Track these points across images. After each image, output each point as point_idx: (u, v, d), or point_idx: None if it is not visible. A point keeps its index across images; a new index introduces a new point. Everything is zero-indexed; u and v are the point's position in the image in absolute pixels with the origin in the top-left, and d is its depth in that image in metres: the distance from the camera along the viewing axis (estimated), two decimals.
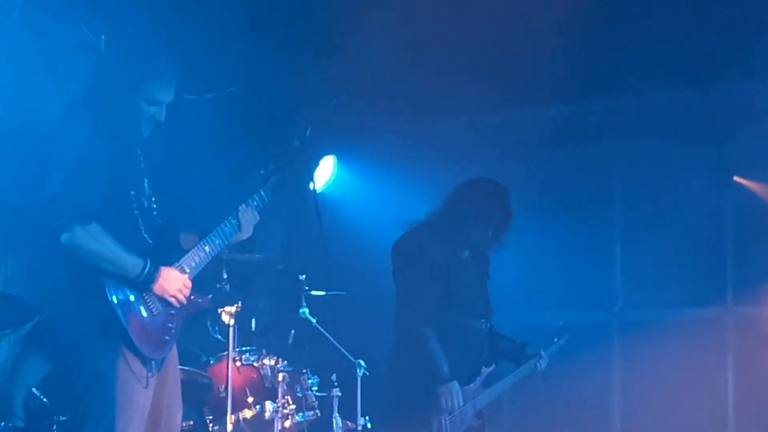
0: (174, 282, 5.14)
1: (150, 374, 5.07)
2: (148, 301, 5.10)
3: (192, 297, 5.28)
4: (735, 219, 9.06)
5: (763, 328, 8.74)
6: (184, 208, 5.68)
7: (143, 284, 5.05)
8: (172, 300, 5.14)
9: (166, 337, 5.17)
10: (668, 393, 8.74)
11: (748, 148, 8.75)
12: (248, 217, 5.60)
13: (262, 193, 5.70)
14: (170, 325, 5.19)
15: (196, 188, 8.10)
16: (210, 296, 5.51)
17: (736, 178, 8.98)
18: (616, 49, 8.05)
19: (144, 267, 5.03)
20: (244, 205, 5.61)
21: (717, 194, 9.07)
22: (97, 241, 4.95)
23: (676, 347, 8.72)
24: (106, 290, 4.97)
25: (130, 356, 5.00)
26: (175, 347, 5.40)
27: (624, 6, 7.54)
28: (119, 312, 4.97)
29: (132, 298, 5.04)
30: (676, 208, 9.08)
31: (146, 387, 5.05)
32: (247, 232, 5.62)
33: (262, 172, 5.80)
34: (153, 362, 5.10)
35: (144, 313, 5.08)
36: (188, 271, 5.26)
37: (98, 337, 4.97)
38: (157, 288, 5.09)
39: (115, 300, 4.98)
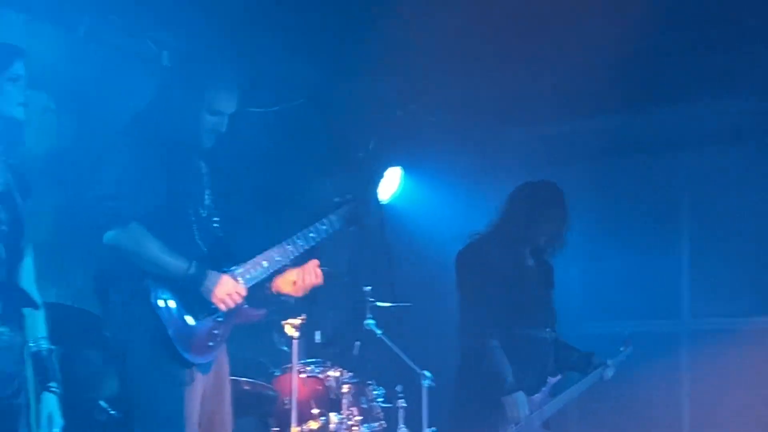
0: (223, 286, 5.12)
1: (192, 379, 5.07)
2: (192, 304, 5.10)
3: (245, 307, 5.28)
4: None
5: None
6: (245, 222, 5.69)
7: (189, 286, 5.05)
8: (220, 304, 5.12)
9: (210, 343, 5.16)
10: (738, 403, 8.62)
11: None
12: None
13: (333, 218, 5.66)
14: (216, 331, 5.19)
15: (260, 202, 8.14)
16: (263, 310, 5.49)
17: None
18: (684, 56, 7.99)
19: (188, 268, 5.03)
20: (311, 227, 5.59)
21: None
22: (137, 241, 4.97)
23: (745, 356, 8.61)
24: (150, 292, 4.99)
25: (173, 360, 5.01)
26: (225, 359, 5.41)
27: (694, 13, 7.47)
28: (161, 314, 4.99)
29: (174, 301, 5.05)
30: (745, 215, 8.96)
31: (189, 391, 5.05)
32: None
33: (336, 200, 5.76)
34: (195, 367, 5.09)
35: (187, 317, 5.08)
36: (241, 281, 5.26)
37: (144, 342, 5.00)
38: (204, 290, 5.09)
39: (158, 302, 5.00)
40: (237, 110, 5.37)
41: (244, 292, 5.21)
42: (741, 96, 8.37)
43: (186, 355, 5.03)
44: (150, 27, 7.20)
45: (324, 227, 5.60)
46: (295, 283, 5.52)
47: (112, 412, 5.78)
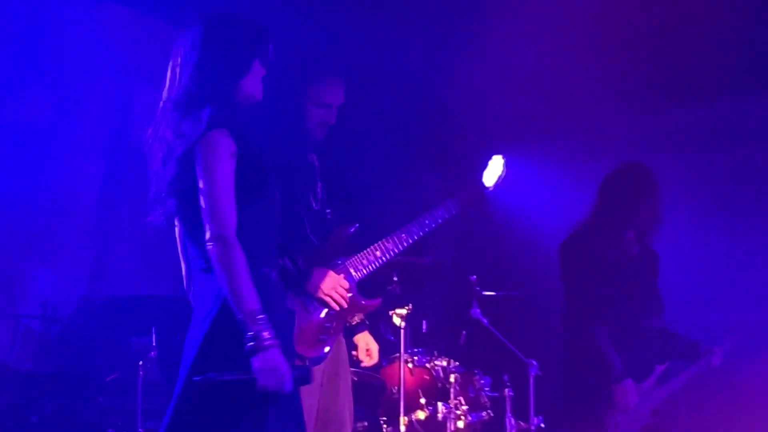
0: (327, 282, 5.16)
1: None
2: (304, 299, 5.14)
3: (356, 299, 5.32)
4: None
5: None
6: (357, 213, 5.73)
7: (297, 282, 5.08)
8: (329, 300, 5.17)
9: (322, 336, 5.20)
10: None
11: None
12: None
13: (450, 204, 5.68)
14: (328, 324, 5.23)
15: (372, 193, 8.20)
16: (378, 300, 5.53)
17: None
18: None
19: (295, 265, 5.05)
20: (426, 213, 5.61)
21: None
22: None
23: None
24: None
25: (288, 354, 5.06)
26: (344, 351, 5.44)
27: None
28: None
29: (289, 294, 5.10)
30: None
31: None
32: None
33: (457, 185, 5.79)
34: (308, 361, 5.13)
35: (299, 311, 5.11)
36: (353, 272, 5.30)
37: None
38: (310, 287, 5.13)
39: None
40: (345, 102, 5.40)
41: (346, 284, 5.25)
42: None
43: (298, 349, 5.08)
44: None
45: (440, 212, 5.62)
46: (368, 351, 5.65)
47: None
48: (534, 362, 7.14)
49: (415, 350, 7.24)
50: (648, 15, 7.45)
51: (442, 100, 8.75)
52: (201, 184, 3.86)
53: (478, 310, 7.37)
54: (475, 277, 7.49)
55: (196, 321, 4.04)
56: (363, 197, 7.93)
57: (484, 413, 7.13)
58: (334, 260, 5.32)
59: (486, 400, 7.20)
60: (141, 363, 5.73)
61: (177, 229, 4.19)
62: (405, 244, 5.52)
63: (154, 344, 5.74)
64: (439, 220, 5.63)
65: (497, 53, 8.14)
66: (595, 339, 6.32)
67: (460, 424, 6.92)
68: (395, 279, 6.85)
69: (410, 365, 7.04)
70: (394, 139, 8.55)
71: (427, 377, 7.12)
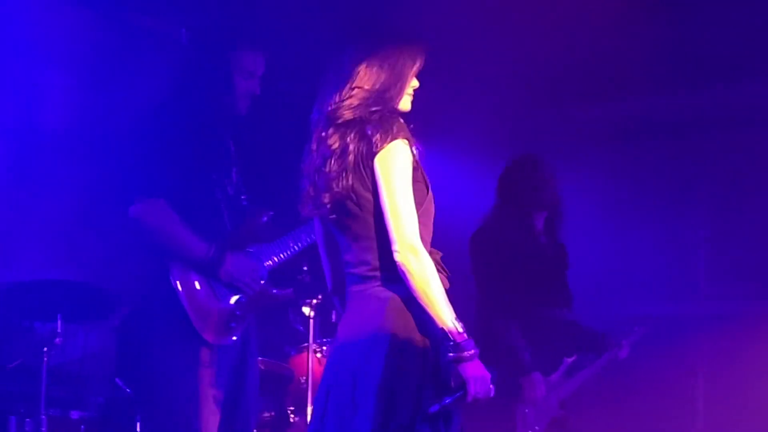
0: (240, 269, 5.13)
1: (215, 360, 5.08)
2: (214, 286, 5.10)
3: (268, 288, 5.28)
4: None
5: None
6: (274, 200, 5.70)
7: (209, 268, 5.06)
8: (242, 286, 5.14)
9: (232, 324, 5.16)
10: (753, 384, 8.61)
11: None
12: None
13: None
14: (238, 312, 5.19)
15: (289, 182, 8.14)
16: (289, 290, 5.49)
17: None
18: (706, 39, 7.95)
19: (208, 251, 5.04)
20: None
21: None
22: (162, 217, 4.99)
23: (762, 339, 8.60)
24: (171, 272, 5.00)
25: (192, 341, 5.02)
26: (253, 341, 5.40)
27: None
28: (181, 293, 5.00)
29: (198, 281, 5.06)
30: (760, 199, 8.96)
31: (207, 373, 5.06)
32: None
33: None
34: (216, 348, 5.09)
35: (208, 298, 5.08)
36: (266, 261, 5.26)
37: (164, 322, 5.01)
38: (224, 273, 5.10)
39: (178, 284, 5.00)
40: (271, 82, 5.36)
41: (259, 273, 5.22)
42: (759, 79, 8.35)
43: (205, 336, 5.03)
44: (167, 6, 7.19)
45: None
46: None
47: (128, 390, 5.78)
48: None
49: (324, 340, 7.19)
50: (554, 10, 7.48)
51: None
52: (386, 194, 3.89)
53: None
54: None
55: (359, 328, 3.98)
56: (279, 185, 7.86)
57: None
58: (246, 247, 5.27)
59: None
60: (45, 349, 5.63)
61: (321, 228, 4.21)
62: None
63: (59, 330, 5.63)
64: None
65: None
66: (504, 331, 6.34)
67: None
68: (305, 268, 6.80)
69: (319, 355, 7.00)
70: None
71: None
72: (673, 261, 9.11)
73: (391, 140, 3.91)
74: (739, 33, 7.70)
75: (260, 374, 5.62)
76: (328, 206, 4.01)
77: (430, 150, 8.54)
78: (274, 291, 5.36)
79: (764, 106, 8.58)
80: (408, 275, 3.84)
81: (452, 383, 3.90)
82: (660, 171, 9.27)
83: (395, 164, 3.90)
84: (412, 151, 4.00)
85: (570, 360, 6.55)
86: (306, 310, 6.64)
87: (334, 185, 3.97)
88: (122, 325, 5.64)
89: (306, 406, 6.48)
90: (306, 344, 6.72)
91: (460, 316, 3.89)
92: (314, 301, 6.67)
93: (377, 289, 3.96)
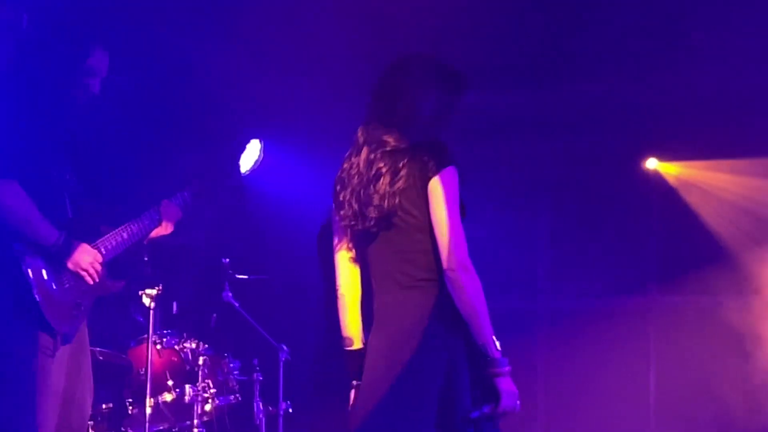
0: (86, 257, 5.08)
1: (57, 349, 5.00)
2: (61, 273, 5.04)
3: (104, 278, 5.22)
4: (660, 209, 9.16)
5: (683, 317, 8.84)
6: (108, 192, 5.62)
7: (57, 255, 4.99)
8: (85, 275, 5.08)
9: (75, 313, 5.10)
10: (591, 381, 8.79)
11: (666, 135, 8.88)
12: (171, 214, 5.57)
13: (186, 195, 5.66)
14: (80, 301, 5.12)
15: (124, 174, 8.03)
16: (122, 282, 5.44)
17: (652, 161, 9.11)
18: (553, 41, 8.07)
19: (58, 238, 4.98)
20: (167, 200, 5.57)
21: (643, 185, 9.15)
22: (15, 199, 4.90)
23: (599, 336, 8.78)
24: (20, 257, 4.91)
25: (38, 327, 4.93)
26: (86, 331, 5.33)
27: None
28: (30, 278, 4.91)
29: (45, 268, 4.98)
30: (602, 198, 9.14)
31: (51, 361, 4.97)
32: (167, 229, 5.59)
33: (191, 176, 5.75)
34: (60, 336, 5.02)
35: (55, 285, 5.01)
36: (103, 252, 5.21)
37: (9, 306, 4.91)
38: (71, 262, 5.04)
39: (28, 270, 4.91)
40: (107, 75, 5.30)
41: (101, 261, 5.16)
42: (602, 80, 8.50)
43: (53, 324, 4.95)
44: None
45: (177, 202, 5.61)
46: None
47: None
48: (284, 347, 7.14)
49: (165, 332, 7.13)
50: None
51: (204, 82, 8.63)
52: (440, 215, 4.17)
53: (230, 294, 7.34)
54: (227, 260, 7.44)
55: (395, 338, 4.23)
56: (119, 176, 7.77)
57: (232, 397, 7.09)
58: (84, 237, 5.20)
59: (235, 383, 7.17)
60: None
61: (346, 238, 4.50)
62: (148, 230, 5.48)
63: None
64: (179, 213, 5.63)
65: (261, 36, 8.08)
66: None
67: (208, 407, 6.89)
68: (146, 259, 6.71)
69: (159, 347, 6.94)
70: (155, 119, 8.40)
71: (176, 359, 7.03)
72: (517, 258, 9.24)
73: (446, 166, 4.20)
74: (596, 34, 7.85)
75: (98, 365, 5.53)
76: (374, 221, 4.28)
77: (280, 143, 8.58)
78: (109, 282, 5.30)
79: (602, 106, 8.76)
80: (459, 290, 4.13)
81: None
82: (504, 170, 9.38)
83: (448, 189, 4.19)
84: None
85: None
86: (146, 300, 6.54)
87: (384, 202, 4.25)
88: None
89: (145, 398, 6.39)
90: (145, 335, 6.62)
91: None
92: (155, 292, 6.57)
93: (418, 298, 4.23)
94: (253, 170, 8.61)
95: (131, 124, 8.09)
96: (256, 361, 7.20)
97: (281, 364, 7.12)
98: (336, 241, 4.55)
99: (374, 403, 4.20)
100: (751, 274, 8.61)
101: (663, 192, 9.13)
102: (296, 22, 7.83)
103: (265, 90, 8.73)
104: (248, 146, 8.61)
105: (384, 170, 4.27)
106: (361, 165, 4.35)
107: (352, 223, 4.38)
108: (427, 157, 4.22)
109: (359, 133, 4.41)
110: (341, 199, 4.42)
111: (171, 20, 7.84)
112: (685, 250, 8.94)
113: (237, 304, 7.29)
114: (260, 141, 9.01)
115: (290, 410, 7.11)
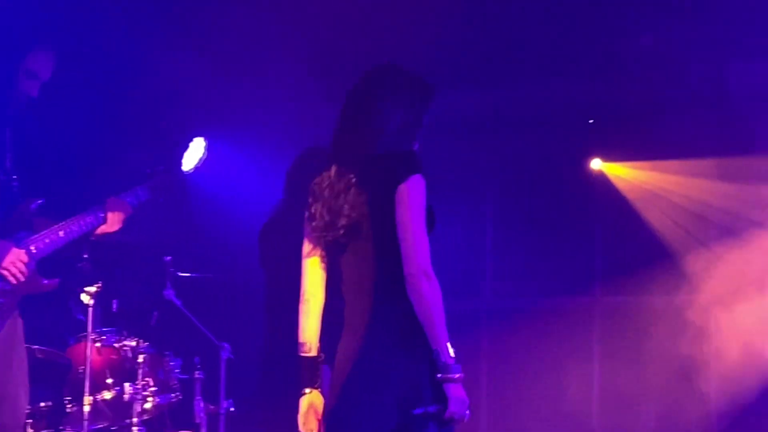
0: (7, 256, 5.02)
1: None
2: None
3: (35, 277, 5.16)
4: (603, 209, 9.20)
5: (627, 317, 8.89)
6: (49, 189, 5.56)
7: None
8: (6, 275, 5.02)
9: None
10: (535, 380, 8.82)
11: (609, 135, 8.92)
12: (117, 211, 5.51)
13: (140, 191, 5.60)
14: (2, 300, 5.06)
15: (69, 172, 7.96)
16: (56, 280, 5.38)
17: (596, 161, 9.15)
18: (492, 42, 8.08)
19: None
20: (114, 197, 5.51)
21: (587, 185, 9.18)
22: None
23: (544, 336, 8.80)
24: None
25: None
26: (19, 328, 5.26)
27: None
28: None
29: None
30: (546, 198, 9.17)
31: None
32: (113, 226, 5.53)
33: (148, 171, 5.70)
34: None
35: None
36: (33, 250, 5.14)
37: None
38: None
39: None
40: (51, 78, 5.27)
41: (26, 259, 5.09)
42: (546, 81, 8.52)
43: None
44: None
45: (129, 199, 5.56)
46: None
47: None
48: (226, 345, 7.10)
49: (104, 330, 7.06)
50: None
51: (149, 80, 8.57)
52: (404, 222, 4.25)
53: (172, 291, 7.29)
54: (170, 257, 7.38)
55: (372, 335, 4.32)
56: (60, 173, 7.70)
57: (172, 395, 7.03)
58: (16, 234, 5.14)
59: (176, 382, 7.11)
60: None
61: (319, 247, 4.51)
62: (89, 227, 5.42)
63: None
64: (129, 209, 5.57)
65: (206, 35, 8.05)
66: (295, 324, 6.31)
67: (148, 405, 6.82)
68: (86, 256, 6.66)
69: (98, 344, 6.87)
70: (99, 116, 8.34)
71: (115, 357, 6.96)
72: (461, 258, 9.25)
73: (413, 174, 4.30)
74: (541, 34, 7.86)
75: (37, 363, 5.48)
76: (343, 229, 4.36)
77: (224, 142, 8.53)
78: (42, 281, 5.25)
79: (548, 104, 8.78)
80: (418, 295, 4.22)
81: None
82: (448, 170, 9.37)
83: (414, 196, 4.27)
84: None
85: None
86: (86, 298, 6.48)
87: (353, 212, 4.34)
88: None
89: (83, 396, 6.34)
90: (85, 333, 6.57)
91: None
92: (94, 289, 6.51)
93: (387, 305, 4.32)
94: (197, 168, 8.56)
95: (77, 123, 8.03)
96: (197, 360, 7.16)
97: (223, 362, 7.08)
98: (306, 249, 4.58)
99: (347, 412, 4.31)
100: (694, 274, 8.66)
101: (607, 192, 9.16)
102: (241, 22, 7.81)
103: (210, 89, 8.69)
104: (192, 144, 8.58)
105: (354, 180, 4.37)
106: (333, 176, 4.44)
107: (324, 233, 4.44)
108: (395, 165, 4.32)
109: (331, 145, 4.50)
110: (312, 210, 4.49)
111: (116, 20, 7.81)
112: (629, 250, 8.99)
113: (179, 302, 7.23)
114: (204, 139, 8.99)
115: (232, 409, 7.06)
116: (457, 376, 4.22)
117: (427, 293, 4.20)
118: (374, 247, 4.33)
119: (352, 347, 4.36)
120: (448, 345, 4.23)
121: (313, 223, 4.48)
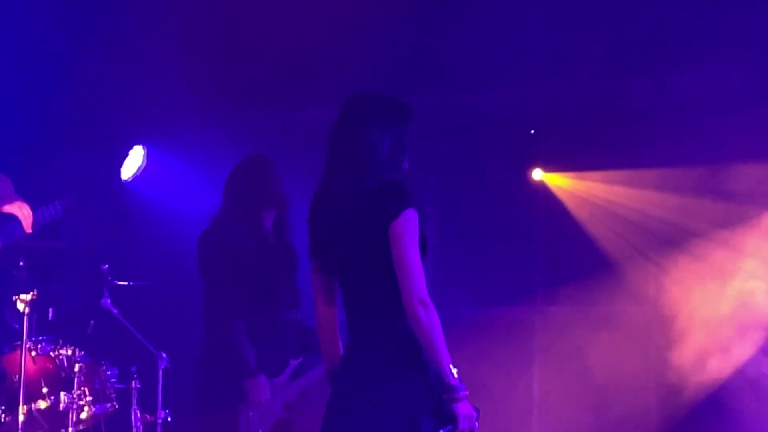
0: None
1: None
2: None
3: None
4: (544, 219, 9.21)
5: (568, 327, 8.90)
6: None
7: None
8: None
9: None
10: (475, 390, 8.76)
11: (550, 145, 8.95)
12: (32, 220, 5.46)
13: (57, 206, 5.56)
14: None
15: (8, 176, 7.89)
16: None
17: (537, 172, 9.17)
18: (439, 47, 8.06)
19: None
20: (37, 211, 5.45)
21: (529, 195, 9.19)
22: None
23: (484, 346, 8.79)
24: None
25: None
26: None
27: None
28: None
29: None
30: (488, 208, 9.17)
31: None
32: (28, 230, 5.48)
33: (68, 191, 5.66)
34: None
35: None
36: None
37: None
38: None
39: None
40: None
41: None
42: (488, 89, 8.51)
43: None
44: None
45: (49, 212, 5.52)
46: None
47: None
48: (164, 354, 7.04)
49: (40, 338, 7.01)
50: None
51: (88, 87, 8.49)
52: (400, 255, 4.48)
53: (109, 300, 7.22)
54: (107, 266, 7.30)
55: (374, 360, 4.59)
56: None
57: (109, 404, 7.03)
58: None
59: (112, 391, 7.10)
60: None
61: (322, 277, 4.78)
62: (21, 235, 5.36)
63: None
64: (48, 219, 5.54)
65: (144, 41, 7.98)
66: (230, 332, 6.27)
67: (84, 414, 6.82)
68: (21, 264, 6.59)
69: (33, 353, 6.82)
70: (38, 122, 8.25)
71: (51, 366, 6.91)
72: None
73: (405, 208, 4.50)
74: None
75: None
76: (341, 263, 4.64)
77: (163, 150, 8.45)
78: None
79: (490, 113, 8.79)
80: (417, 323, 4.46)
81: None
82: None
83: (408, 229, 4.49)
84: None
85: (296, 362, 6.50)
86: (21, 306, 6.41)
87: (351, 243, 4.59)
88: None
89: (18, 405, 6.27)
90: (20, 342, 6.49)
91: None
92: (30, 297, 6.43)
93: (386, 334, 4.59)
94: (136, 176, 8.48)
95: (17, 128, 7.96)
96: (134, 369, 7.10)
97: (160, 371, 6.99)
98: (315, 279, 4.83)
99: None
100: (636, 286, 8.70)
101: (548, 202, 9.18)
102: (179, 28, 7.76)
103: (149, 96, 8.61)
104: (131, 152, 8.50)
105: (349, 215, 4.59)
106: (329, 209, 4.68)
107: (325, 265, 4.73)
108: (387, 201, 4.52)
109: (324, 176, 4.71)
110: (313, 242, 4.76)
111: (51, 23, 7.73)
112: (570, 260, 9.01)
113: (116, 311, 7.15)
114: (143, 147, 8.93)
115: (169, 419, 6.99)
116: (463, 394, 4.50)
117: (425, 320, 4.42)
118: (373, 279, 4.58)
119: (352, 378, 4.62)
120: (451, 367, 4.47)
121: (314, 257, 4.75)
